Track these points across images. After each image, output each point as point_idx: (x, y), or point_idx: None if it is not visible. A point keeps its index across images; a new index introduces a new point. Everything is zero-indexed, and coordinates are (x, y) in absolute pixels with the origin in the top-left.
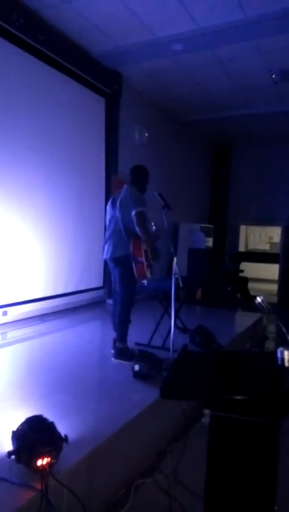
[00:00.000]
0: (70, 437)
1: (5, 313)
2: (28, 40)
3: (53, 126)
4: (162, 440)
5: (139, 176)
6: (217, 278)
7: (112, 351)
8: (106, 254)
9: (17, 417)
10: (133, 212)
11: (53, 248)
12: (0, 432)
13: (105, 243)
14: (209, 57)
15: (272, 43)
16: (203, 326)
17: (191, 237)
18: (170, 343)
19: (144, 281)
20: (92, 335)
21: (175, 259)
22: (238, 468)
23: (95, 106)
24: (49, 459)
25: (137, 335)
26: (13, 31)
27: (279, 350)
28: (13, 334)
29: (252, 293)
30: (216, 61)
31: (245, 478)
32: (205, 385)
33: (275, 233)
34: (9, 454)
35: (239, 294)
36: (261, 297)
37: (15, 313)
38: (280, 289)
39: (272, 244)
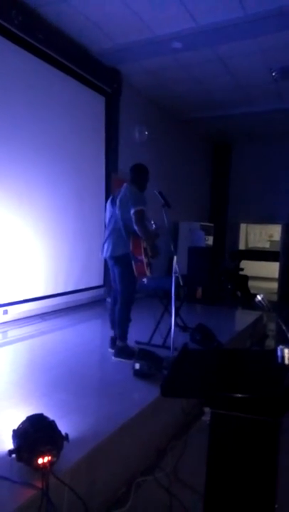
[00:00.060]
0: (71, 436)
1: (5, 312)
2: (27, 38)
3: (53, 124)
4: (163, 438)
5: (139, 175)
6: (217, 276)
7: (110, 350)
8: (106, 252)
9: (18, 416)
10: (132, 211)
11: (53, 247)
12: (1, 430)
13: (105, 242)
14: (209, 55)
15: (272, 41)
16: (204, 324)
17: (191, 235)
18: (170, 342)
19: (144, 280)
20: (93, 333)
21: (175, 257)
22: (239, 466)
23: (95, 104)
24: (50, 457)
25: (138, 333)
26: (12, 29)
27: (279, 348)
28: (13, 333)
29: (252, 291)
30: (216, 59)
31: (245, 476)
32: (205, 383)
33: (275, 231)
34: (10, 452)
35: (239, 292)
36: (261, 295)
37: (15, 312)
38: (280, 287)
39: (272, 242)
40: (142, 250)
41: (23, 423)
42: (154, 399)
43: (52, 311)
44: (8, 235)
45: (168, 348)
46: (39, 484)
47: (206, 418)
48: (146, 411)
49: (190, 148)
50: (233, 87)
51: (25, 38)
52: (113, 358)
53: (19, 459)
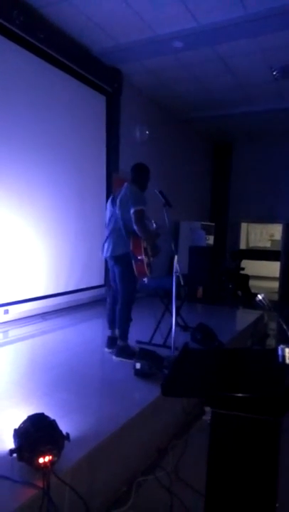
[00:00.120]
0: (72, 435)
1: (6, 312)
2: (29, 38)
3: (54, 124)
4: (163, 438)
5: (140, 174)
6: (218, 276)
7: (107, 349)
8: (106, 252)
9: (19, 415)
10: (132, 211)
11: (54, 246)
12: (2, 429)
13: (105, 241)
14: (210, 54)
15: (273, 40)
16: (205, 323)
17: (192, 235)
18: (171, 341)
19: (145, 279)
20: (94, 333)
21: (176, 257)
22: (239, 466)
23: (96, 104)
24: (51, 457)
25: (138, 333)
26: (14, 29)
27: (280, 347)
28: (14, 332)
29: (253, 290)
30: (217, 58)
31: (246, 475)
32: (206, 383)
33: (276, 230)
34: (11, 451)
35: (240, 292)
36: (262, 295)
37: (16, 311)
38: (281, 286)
39: (273, 241)
40: (142, 250)
41: (24, 422)
42: (155, 398)
43: (53, 311)
44: (9, 235)
45: (169, 347)
46: (40, 484)
47: (207, 417)
48: (147, 410)
49: (191, 147)
50: (233, 86)
51: (27, 37)
52: (114, 357)
53: (20, 458)
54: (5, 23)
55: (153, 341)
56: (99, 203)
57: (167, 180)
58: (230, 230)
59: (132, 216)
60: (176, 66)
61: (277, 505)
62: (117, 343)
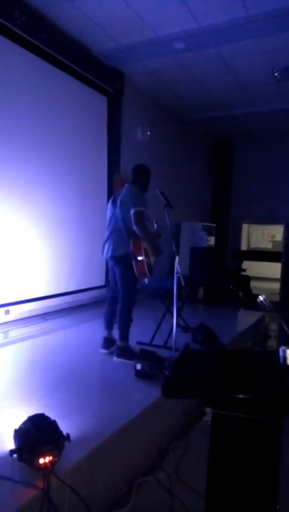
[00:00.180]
0: (72, 436)
1: (7, 312)
2: (30, 39)
3: (55, 125)
4: (164, 438)
5: (141, 175)
6: (219, 277)
7: (102, 350)
8: (106, 253)
9: (19, 416)
10: (131, 211)
11: (55, 247)
12: (2, 430)
13: (105, 242)
14: (211, 55)
15: (274, 41)
16: (205, 324)
17: (193, 235)
18: (172, 342)
19: (145, 280)
20: (94, 334)
21: (177, 258)
22: (240, 467)
23: (97, 104)
24: (51, 457)
25: (139, 334)
26: (15, 30)
27: (281, 348)
28: (15, 333)
29: (254, 291)
30: (218, 59)
31: (247, 476)
32: (207, 384)
33: (277, 231)
34: (11, 452)
35: (241, 293)
36: (263, 296)
37: (17, 311)
38: (282, 287)
39: (274, 242)
40: (142, 251)
41: (24, 423)
42: (156, 399)
43: (54, 311)
44: (10, 235)
45: (169, 348)
46: (40, 484)
47: (208, 419)
48: (147, 411)
49: (192, 148)
50: (234, 87)
51: (28, 38)
52: (115, 358)
53: (20, 459)
54: (7, 24)
55: (154, 342)
56: (100, 203)
57: (168, 180)
58: (232, 230)
59: (132, 217)
60: (177, 67)
61: (278, 507)
62: (118, 344)
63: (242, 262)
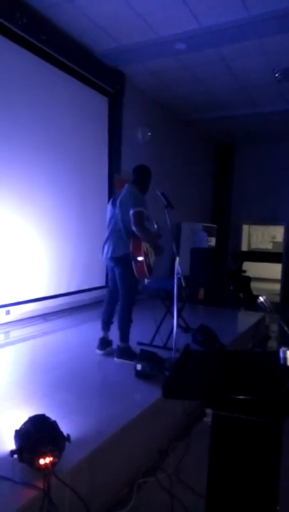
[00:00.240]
0: (73, 436)
1: (8, 313)
2: (31, 40)
3: (56, 125)
4: (164, 439)
5: (142, 176)
6: (219, 277)
7: (97, 351)
8: (106, 254)
9: (20, 416)
10: (131, 212)
11: (55, 247)
12: (3, 431)
13: (105, 243)
14: (212, 56)
15: (275, 42)
16: (206, 325)
17: (194, 236)
18: (172, 343)
19: (145, 281)
20: (95, 334)
21: (177, 258)
22: (240, 468)
23: (98, 105)
24: (51, 458)
25: (139, 334)
26: (16, 30)
27: (281, 349)
28: (15, 333)
29: (254, 292)
30: (219, 60)
31: (247, 477)
32: (207, 385)
33: (278, 232)
34: (12, 452)
35: (242, 294)
36: (264, 297)
37: (18, 312)
38: (282, 288)
39: (275, 243)
40: (142, 251)
41: (24, 424)
42: (156, 400)
43: (54, 312)
44: (10, 235)
45: (170, 349)
46: (40, 485)
47: (208, 419)
48: (147, 412)
49: (193, 149)
50: (236, 88)
51: (29, 39)
52: (115, 359)
53: (21, 459)
54: (8, 25)
55: (154, 343)
56: (101, 203)
57: (169, 181)
58: (232, 231)
59: (131, 217)
60: (178, 68)
61: (278, 508)
62: (118, 345)
63: (242, 262)
